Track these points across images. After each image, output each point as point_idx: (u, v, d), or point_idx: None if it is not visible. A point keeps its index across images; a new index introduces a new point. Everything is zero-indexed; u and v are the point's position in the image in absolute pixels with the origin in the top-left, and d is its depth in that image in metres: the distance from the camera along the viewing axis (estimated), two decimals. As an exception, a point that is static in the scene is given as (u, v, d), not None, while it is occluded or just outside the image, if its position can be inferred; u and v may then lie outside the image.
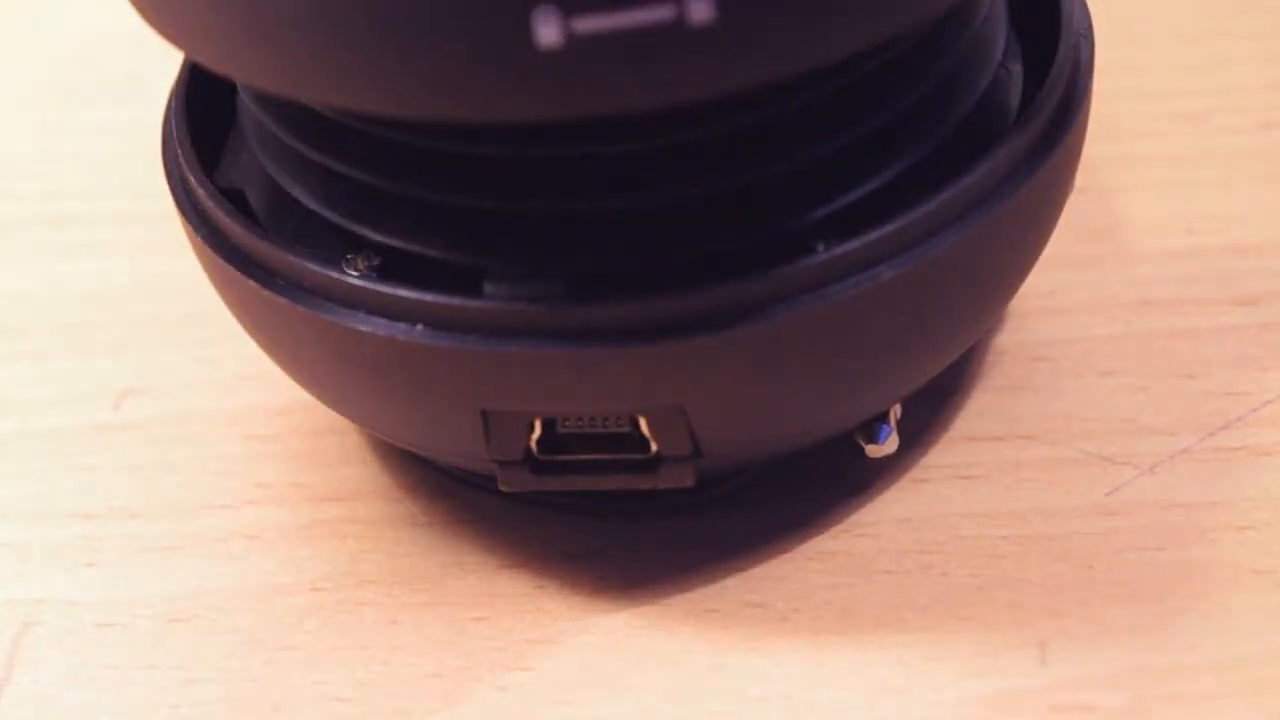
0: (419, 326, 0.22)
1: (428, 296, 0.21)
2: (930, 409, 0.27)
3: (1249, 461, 0.26)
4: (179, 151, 0.25)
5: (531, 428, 0.23)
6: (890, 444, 0.25)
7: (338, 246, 0.23)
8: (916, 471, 0.26)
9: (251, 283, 0.23)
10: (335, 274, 0.22)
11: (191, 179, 0.24)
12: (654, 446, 0.23)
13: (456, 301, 0.21)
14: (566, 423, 0.23)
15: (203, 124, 0.25)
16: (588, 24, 0.18)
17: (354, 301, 0.22)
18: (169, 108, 0.25)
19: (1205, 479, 0.26)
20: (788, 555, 0.25)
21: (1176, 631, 0.24)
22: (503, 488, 0.24)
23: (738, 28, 0.19)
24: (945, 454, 0.27)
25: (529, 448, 0.23)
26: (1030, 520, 0.26)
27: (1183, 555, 0.25)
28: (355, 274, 0.22)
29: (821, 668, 0.24)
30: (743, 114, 0.21)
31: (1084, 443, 0.27)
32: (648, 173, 0.22)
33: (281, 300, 0.22)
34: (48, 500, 0.28)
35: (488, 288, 0.22)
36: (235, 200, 0.24)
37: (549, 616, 0.25)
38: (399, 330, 0.22)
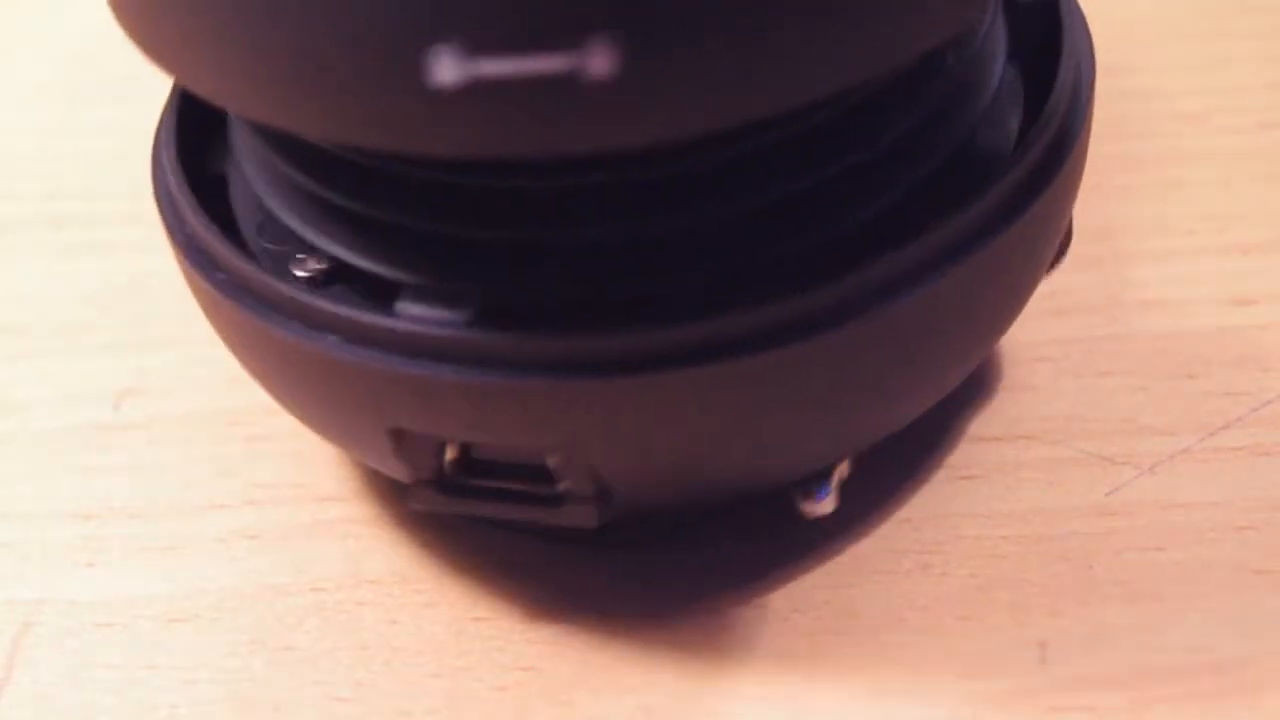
0: (332, 338, 0.21)
1: (341, 310, 0.21)
2: (930, 409, 0.27)
3: (1249, 461, 0.26)
4: (161, 134, 0.25)
5: (443, 449, 0.22)
6: (827, 505, 0.24)
7: (293, 247, 0.23)
8: (917, 471, 0.26)
9: (200, 278, 0.23)
10: (269, 279, 0.22)
11: (166, 165, 0.24)
12: (559, 483, 0.22)
13: (366, 317, 0.21)
14: (482, 447, 0.22)
15: (204, 107, 0.25)
16: (483, 68, 0.18)
17: (283, 307, 0.22)
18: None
19: (1205, 479, 0.26)
20: (788, 555, 0.25)
21: (1176, 631, 0.24)
22: (411, 504, 0.23)
23: (643, 83, 0.18)
24: (946, 454, 0.27)
25: (440, 468, 0.23)
26: (1030, 520, 0.26)
27: (1183, 555, 0.25)
28: (305, 274, 0.22)
29: (821, 668, 0.24)
30: (669, 160, 0.21)
31: (1084, 443, 0.27)
32: (567, 209, 0.21)
33: (226, 300, 0.22)
34: (48, 500, 0.28)
35: (398, 306, 0.21)
36: (217, 186, 0.24)
37: (549, 616, 0.25)
38: (316, 340, 0.21)
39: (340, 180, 0.22)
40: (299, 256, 0.23)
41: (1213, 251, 0.30)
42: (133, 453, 0.28)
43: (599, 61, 0.18)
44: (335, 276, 0.22)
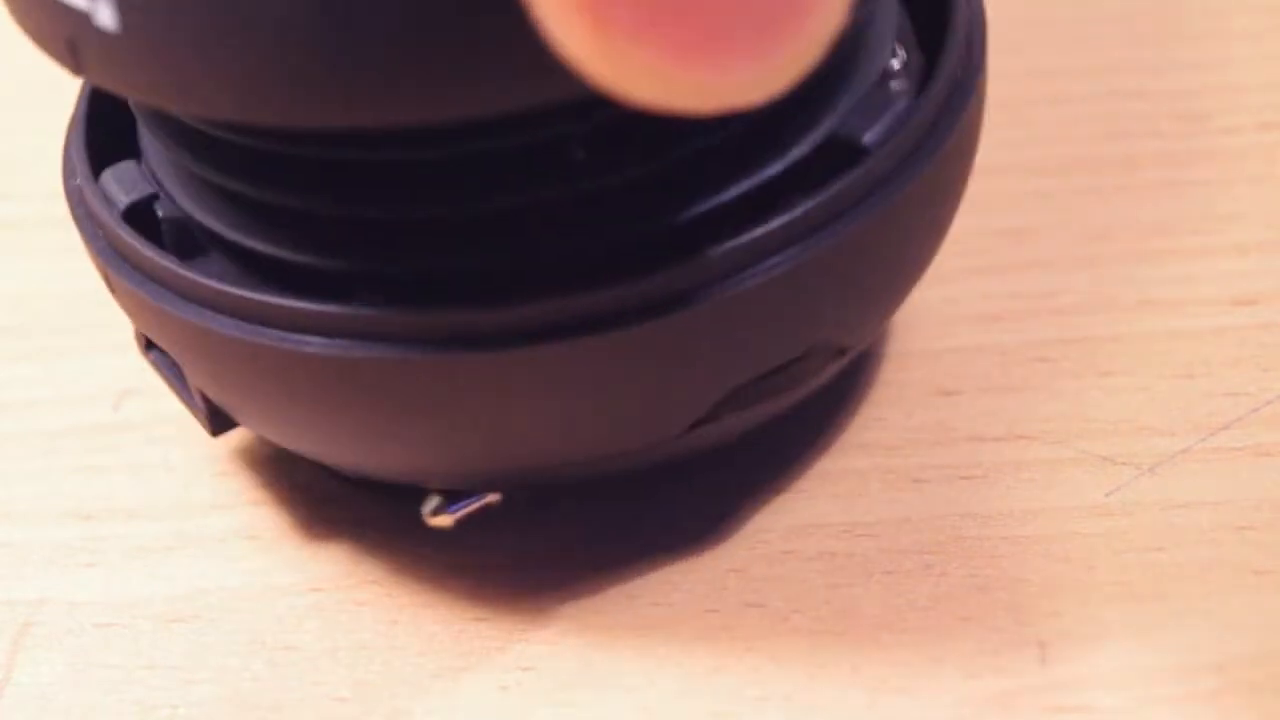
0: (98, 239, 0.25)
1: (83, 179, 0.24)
2: (930, 409, 0.27)
3: (1249, 461, 0.26)
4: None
5: None
6: (442, 520, 0.24)
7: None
8: (916, 471, 0.26)
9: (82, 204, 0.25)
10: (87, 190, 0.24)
11: (75, 124, 0.25)
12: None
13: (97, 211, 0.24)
14: None
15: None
16: None
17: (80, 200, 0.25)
18: None
19: (1205, 479, 0.26)
20: (788, 555, 0.25)
21: (1176, 631, 0.24)
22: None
23: (136, 43, 0.19)
24: (945, 454, 0.27)
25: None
26: (1030, 520, 0.26)
27: (1183, 555, 0.25)
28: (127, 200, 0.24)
29: (821, 668, 0.24)
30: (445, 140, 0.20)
31: (1084, 443, 0.27)
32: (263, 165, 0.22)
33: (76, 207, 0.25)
34: (48, 500, 0.28)
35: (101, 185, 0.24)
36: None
37: (549, 616, 0.25)
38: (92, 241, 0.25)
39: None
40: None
41: (1213, 251, 0.30)
42: (133, 453, 0.28)
43: (103, 12, 0.19)
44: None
